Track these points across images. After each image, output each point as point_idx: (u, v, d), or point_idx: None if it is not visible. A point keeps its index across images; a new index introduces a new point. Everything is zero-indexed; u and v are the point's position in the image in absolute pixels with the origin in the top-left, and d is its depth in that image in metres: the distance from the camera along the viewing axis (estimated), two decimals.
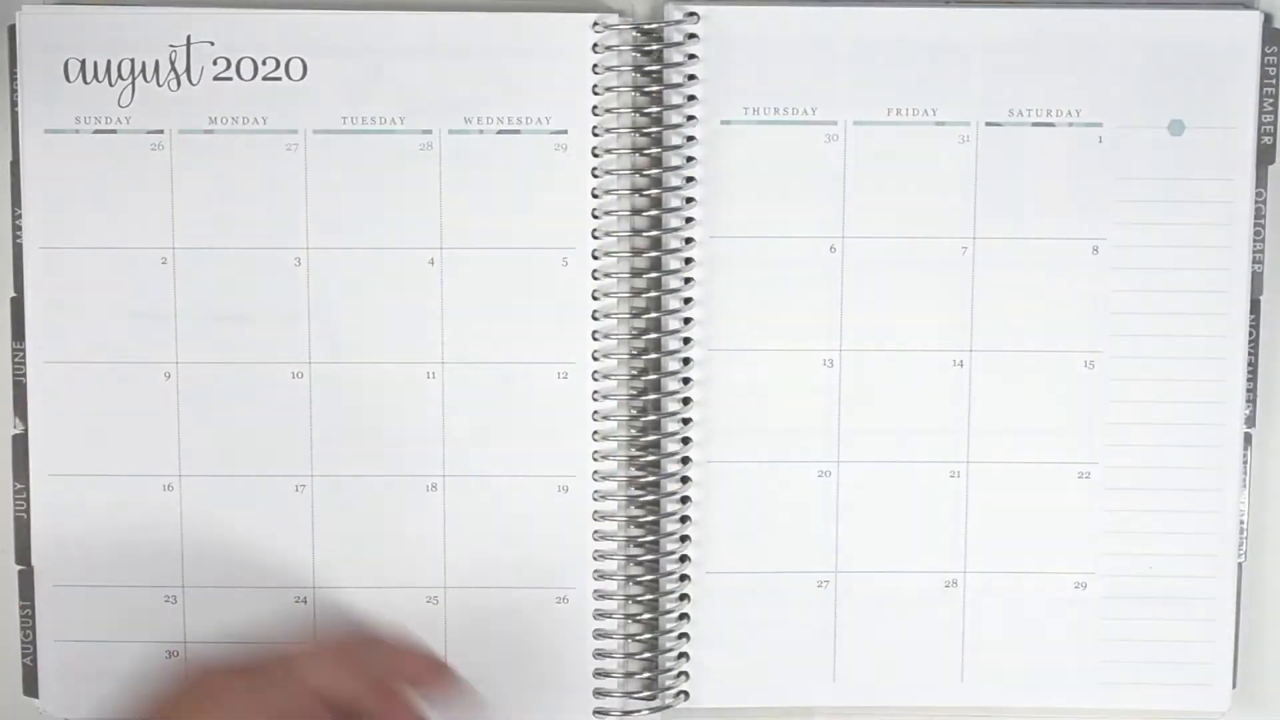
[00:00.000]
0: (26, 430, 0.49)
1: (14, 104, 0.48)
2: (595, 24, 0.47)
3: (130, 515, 0.49)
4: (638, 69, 0.48)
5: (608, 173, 0.48)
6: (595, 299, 0.48)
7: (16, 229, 0.49)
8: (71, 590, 0.49)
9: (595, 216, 0.48)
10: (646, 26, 0.48)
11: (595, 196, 0.48)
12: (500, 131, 0.48)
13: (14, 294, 0.49)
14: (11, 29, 0.47)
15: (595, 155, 0.48)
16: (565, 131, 0.48)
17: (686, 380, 0.48)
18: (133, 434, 0.48)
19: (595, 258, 0.48)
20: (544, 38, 0.47)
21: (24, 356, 0.49)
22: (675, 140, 0.48)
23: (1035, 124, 0.47)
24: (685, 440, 0.48)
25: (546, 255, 0.48)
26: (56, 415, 0.49)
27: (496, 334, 0.48)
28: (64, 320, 0.48)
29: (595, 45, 0.48)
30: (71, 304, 0.48)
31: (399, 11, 0.48)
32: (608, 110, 0.48)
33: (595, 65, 0.48)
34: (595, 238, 0.48)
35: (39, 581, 0.49)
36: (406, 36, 0.47)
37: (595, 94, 0.48)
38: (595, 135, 0.48)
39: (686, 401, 0.48)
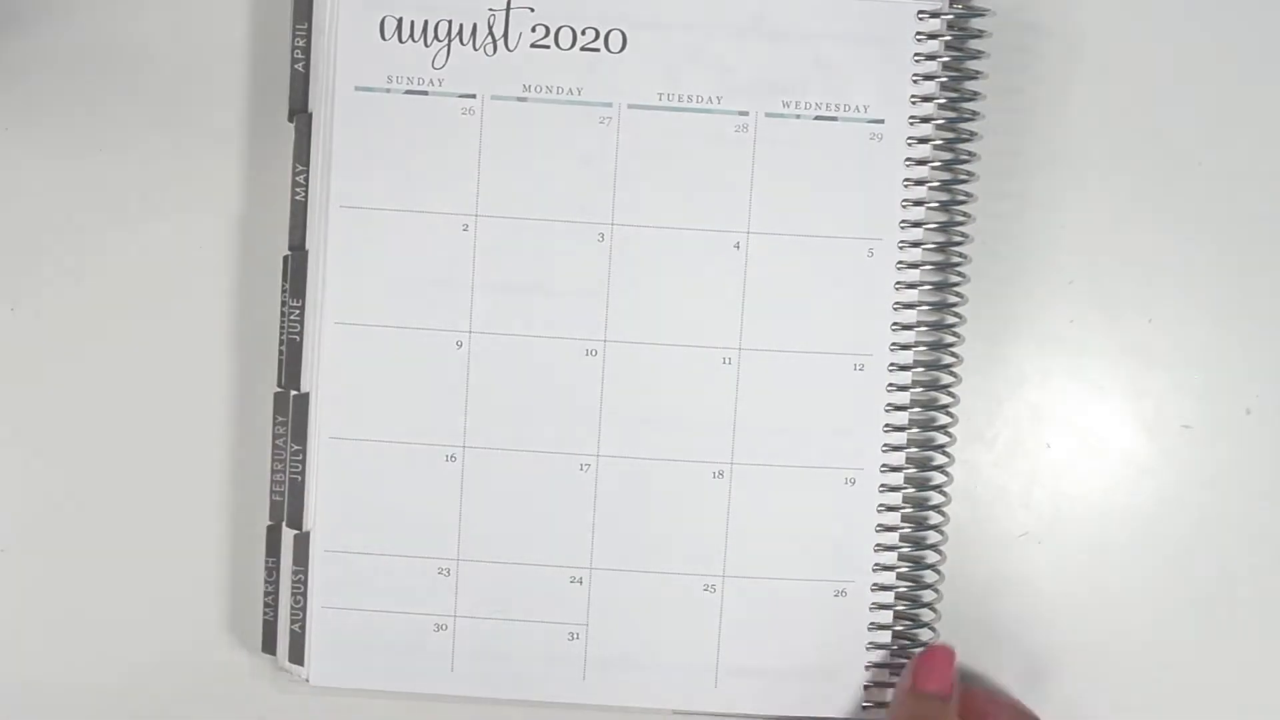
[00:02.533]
0: (304, 390, 0.48)
1: (295, 59, 0.47)
2: (919, 13, 0.47)
3: (409, 484, 0.48)
4: (955, 62, 0.47)
5: (919, 163, 0.47)
6: (897, 290, 0.47)
7: (298, 185, 0.48)
8: (345, 557, 0.48)
9: (903, 207, 0.47)
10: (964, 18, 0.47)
11: (905, 187, 0.47)
12: (818, 117, 0.47)
13: (287, 251, 0.48)
14: None
15: (909, 145, 0.47)
16: (882, 121, 0.47)
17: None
18: (419, 401, 0.48)
19: (900, 249, 0.47)
20: (868, 24, 0.47)
21: (300, 314, 0.48)
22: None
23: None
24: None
25: (852, 245, 0.47)
26: (342, 377, 0.48)
27: (795, 322, 0.47)
28: (358, 281, 0.47)
29: (918, 34, 0.47)
30: (368, 265, 0.47)
31: None
32: (924, 100, 0.47)
33: (916, 54, 0.47)
34: (901, 228, 0.47)
35: (313, 546, 0.48)
36: (730, 14, 0.47)
37: (914, 83, 0.47)
38: (911, 125, 0.47)
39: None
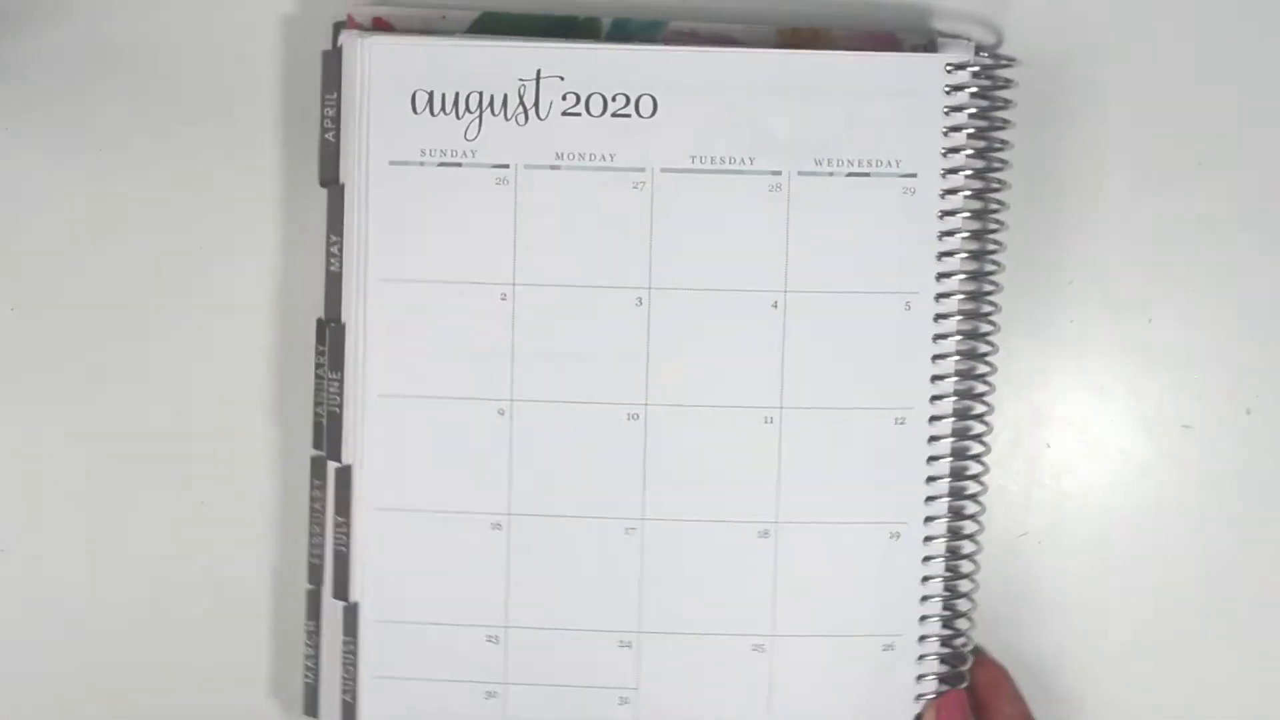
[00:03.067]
0: (347, 462, 0.48)
1: (325, 129, 0.47)
2: (947, 66, 0.47)
3: (456, 553, 0.48)
4: (984, 112, 0.47)
5: (950, 214, 0.47)
6: (934, 342, 0.48)
7: (332, 256, 0.48)
8: (394, 627, 0.48)
9: (938, 259, 0.47)
10: (993, 68, 0.47)
11: (940, 240, 0.47)
12: (850, 174, 0.47)
13: (320, 319, 0.48)
14: (336, 52, 0.47)
15: (941, 198, 0.47)
16: (914, 175, 0.47)
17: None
18: (463, 470, 0.48)
19: (937, 301, 0.48)
20: (897, 79, 0.47)
21: (339, 386, 0.48)
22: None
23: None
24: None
25: (889, 300, 0.48)
26: (386, 449, 0.48)
27: (835, 379, 0.48)
28: (399, 353, 0.48)
29: (947, 87, 0.47)
30: (408, 337, 0.47)
31: (752, 50, 0.47)
32: (953, 151, 0.47)
33: (946, 107, 0.47)
34: (938, 281, 0.47)
35: (362, 616, 0.48)
36: (759, 75, 0.47)
37: (945, 135, 0.47)
38: (943, 178, 0.47)
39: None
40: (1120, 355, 0.50)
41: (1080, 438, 0.50)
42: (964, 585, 0.48)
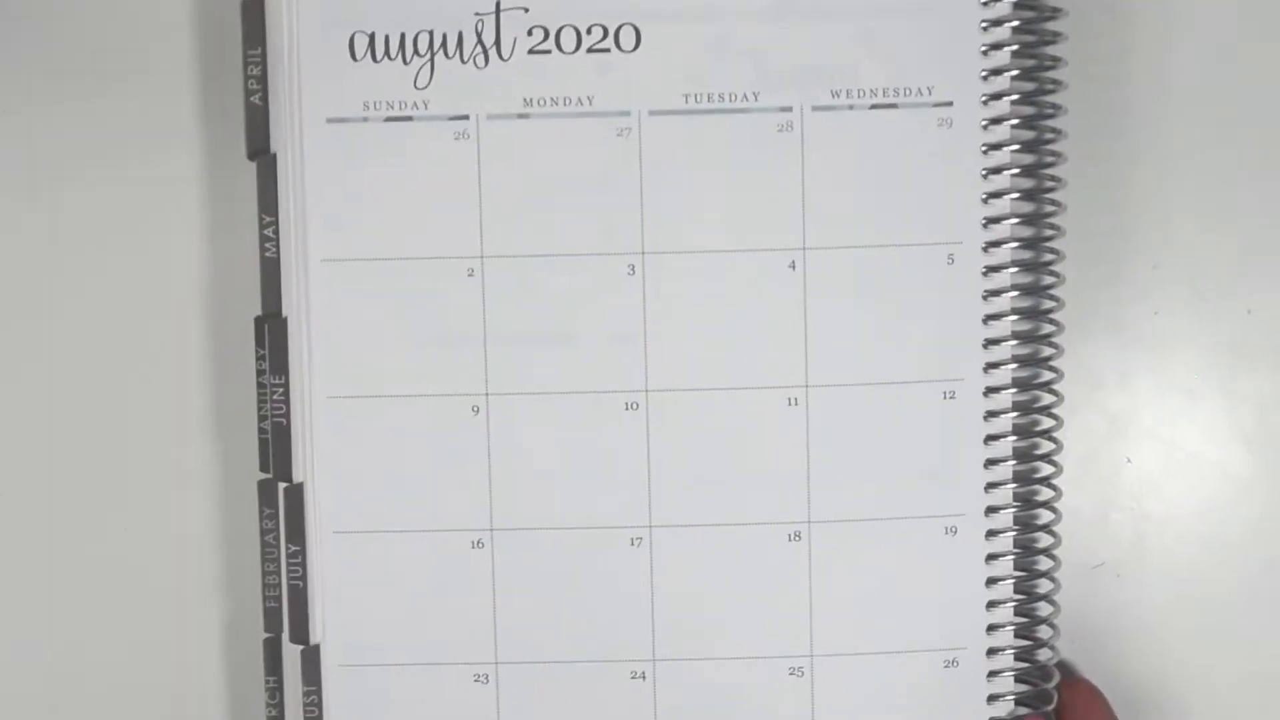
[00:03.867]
0: (298, 480, 0.41)
1: (250, 90, 0.40)
2: None
3: (432, 579, 0.41)
4: (1028, 24, 0.40)
5: (995, 148, 0.40)
6: (985, 300, 0.40)
7: (266, 240, 0.41)
8: (362, 672, 0.41)
9: (984, 202, 0.40)
10: None
11: (984, 178, 0.40)
12: (874, 106, 0.40)
13: (258, 317, 0.41)
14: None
15: (984, 129, 0.40)
16: (950, 103, 0.40)
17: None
18: (434, 481, 0.41)
19: (985, 251, 0.40)
20: None
21: (285, 392, 0.41)
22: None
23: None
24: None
25: (929, 252, 0.40)
26: (342, 461, 0.41)
27: (870, 349, 0.40)
28: (348, 347, 0.40)
29: None
30: (358, 327, 0.40)
31: None
32: (995, 73, 0.40)
33: (983, 21, 0.40)
34: (985, 228, 0.40)
35: (325, 661, 0.41)
36: None
37: (984, 55, 0.40)
38: (984, 105, 0.40)
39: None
40: (1213, 353, 0.43)
41: (1166, 451, 0.43)
42: (1043, 584, 0.41)
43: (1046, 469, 0.41)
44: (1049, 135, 0.40)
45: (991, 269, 0.40)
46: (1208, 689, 0.44)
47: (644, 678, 0.41)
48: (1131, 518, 0.44)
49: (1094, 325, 0.43)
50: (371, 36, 0.40)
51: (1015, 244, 0.40)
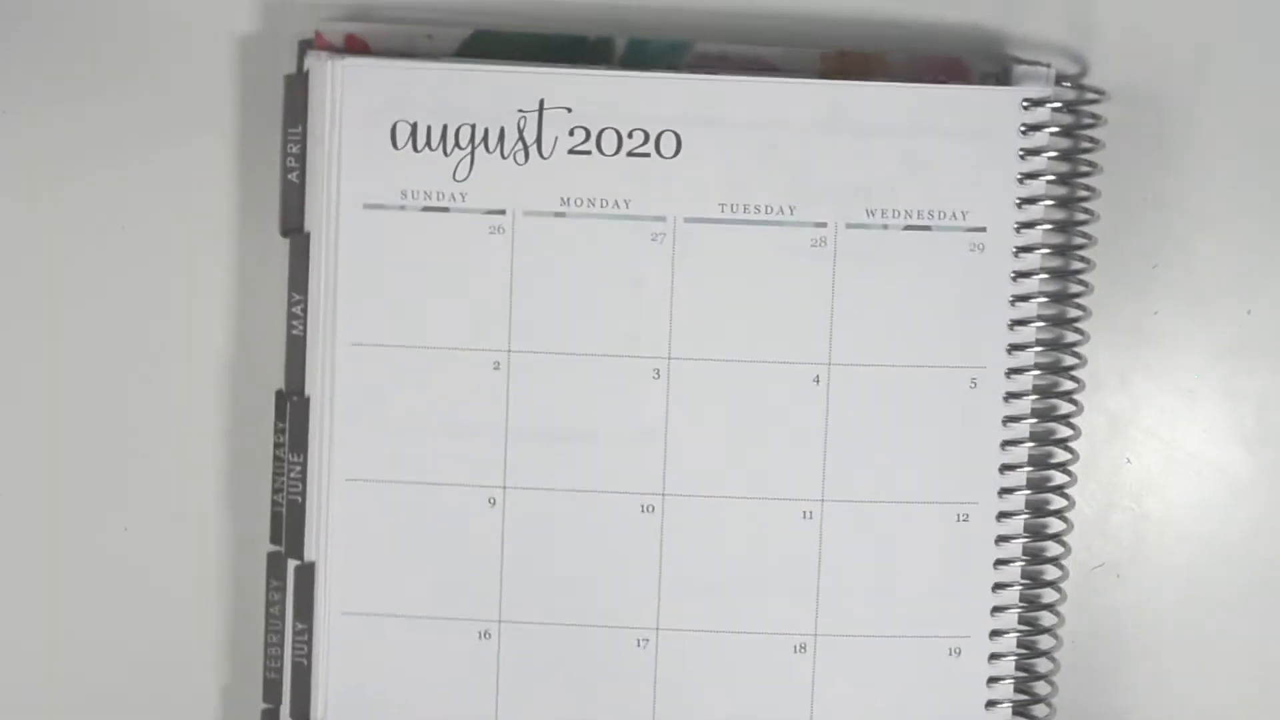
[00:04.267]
0: (309, 559, 0.41)
1: (288, 168, 0.40)
2: (1024, 101, 0.40)
3: (438, 666, 0.41)
4: (1065, 155, 0.40)
5: (1024, 275, 0.40)
6: (1004, 427, 0.41)
7: (294, 318, 0.41)
8: None
9: (1010, 329, 0.40)
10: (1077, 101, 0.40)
11: (1012, 305, 0.40)
12: (908, 227, 0.40)
13: (280, 391, 0.41)
14: (301, 77, 0.40)
15: (1015, 256, 0.40)
16: (984, 229, 0.40)
17: None
18: (446, 569, 0.41)
19: (1009, 378, 0.40)
20: (964, 116, 0.40)
21: (302, 470, 0.41)
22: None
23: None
24: None
25: (952, 376, 0.41)
26: (355, 543, 0.41)
27: (887, 469, 0.41)
28: (371, 431, 0.40)
29: (1022, 126, 0.40)
30: (382, 412, 0.40)
31: (793, 80, 0.40)
32: (1029, 202, 0.40)
33: (1021, 150, 0.40)
34: (1010, 354, 0.40)
35: None
36: (802, 110, 0.40)
37: (1019, 184, 0.40)
38: (1017, 233, 0.40)
39: None
40: (1213, 353, 0.43)
41: (1166, 451, 0.43)
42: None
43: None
44: (1077, 265, 0.41)
45: (1012, 395, 0.41)
46: (1207, 689, 0.44)
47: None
48: (1131, 518, 0.44)
49: (1094, 325, 0.42)
50: (414, 126, 0.40)
51: (1038, 372, 0.41)
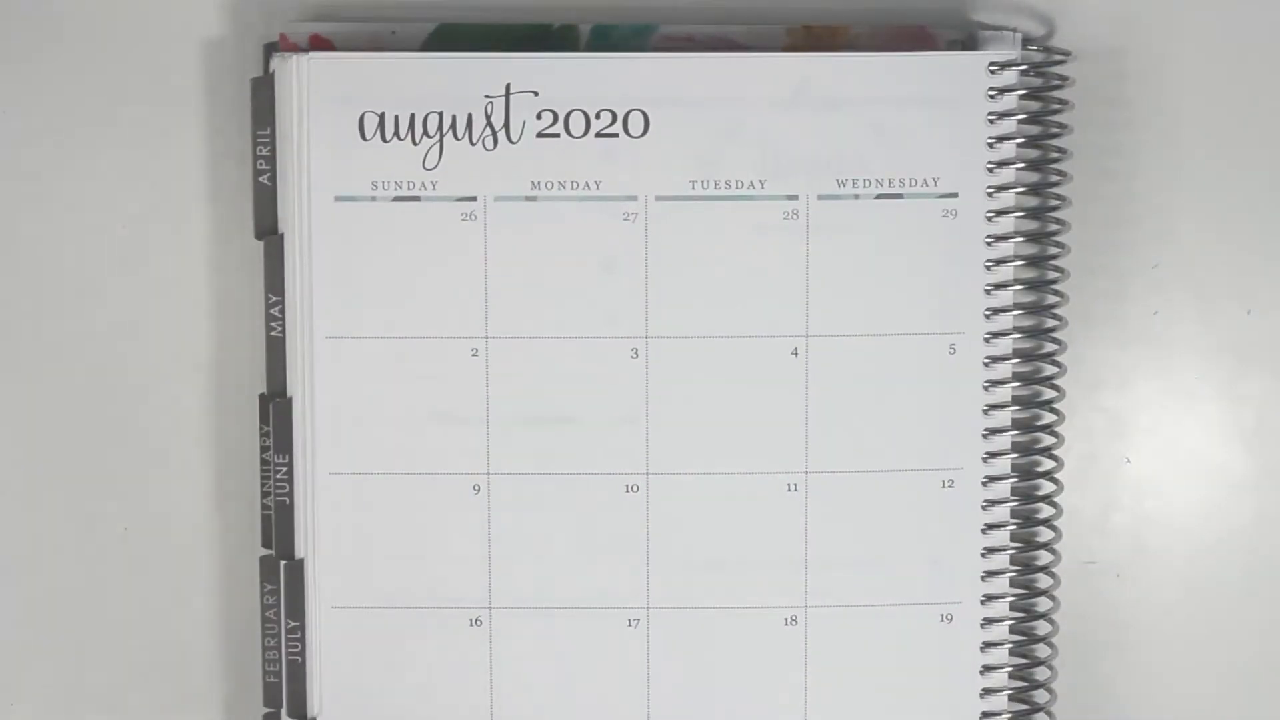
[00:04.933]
0: (299, 556, 0.41)
1: (259, 170, 0.40)
2: (991, 65, 0.40)
3: (430, 655, 0.41)
4: (1035, 118, 0.40)
5: (999, 239, 0.40)
6: (986, 390, 0.40)
7: (273, 319, 0.41)
8: None
9: (987, 293, 0.40)
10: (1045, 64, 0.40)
11: (987, 269, 0.40)
12: (879, 196, 0.40)
13: (263, 395, 0.41)
14: (267, 79, 0.40)
15: (988, 220, 0.40)
16: (956, 195, 0.40)
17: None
18: (434, 558, 0.41)
19: (988, 342, 0.40)
20: (932, 84, 0.40)
21: (288, 470, 0.41)
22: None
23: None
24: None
25: (931, 342, 0.40)
26: (342, 537, 0.41)
27: (870, 437, 0.41)
28: (351, 424, 0.41)
29: (991, 90, 0.40)
30: (361, 404, 0.40)
31: (759, 55, 0.40)
32: (1000, 165, 0.40)
33: (990, 114, 0.40)
34: (988, 319, 0.40)
35: None
36: (769, 84, 0.40)
37: (990, 148, 0.40)
38: (989, 197, 0.40)
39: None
40: (1213, 354, 0.43)
41: (1166, 451, 0.43)
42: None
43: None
44: (1052, 227, 0.41)
45: (992, 359, 0.40)
46: (1207, 688, 0.44)
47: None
48: (1131, 518, 0.43)
49: (1093, 323, 0.42)
50: (381, 116, 0.40)
51: (1017, 335, 0.40)
